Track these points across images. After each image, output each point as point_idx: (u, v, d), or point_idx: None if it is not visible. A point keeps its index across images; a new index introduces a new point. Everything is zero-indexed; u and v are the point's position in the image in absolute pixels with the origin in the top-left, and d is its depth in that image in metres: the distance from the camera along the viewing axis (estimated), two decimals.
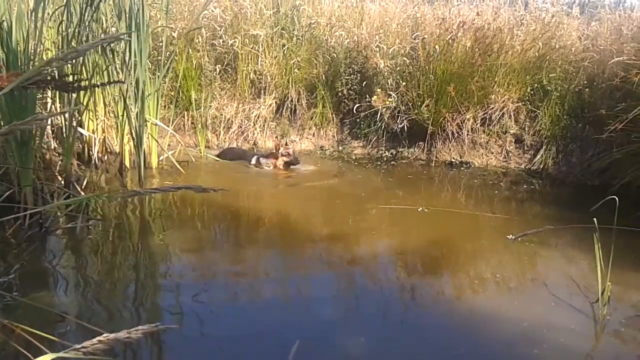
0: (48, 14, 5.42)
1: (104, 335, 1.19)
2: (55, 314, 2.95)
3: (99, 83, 2.89)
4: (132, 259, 4.08)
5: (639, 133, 5.72)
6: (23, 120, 1.39)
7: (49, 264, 3.80)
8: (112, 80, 5.43)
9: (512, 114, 7.37)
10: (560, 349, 2.96)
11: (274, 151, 6.78)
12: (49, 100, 5.54)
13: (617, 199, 3.29)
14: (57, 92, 5.44)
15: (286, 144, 6.85)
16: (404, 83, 7.40)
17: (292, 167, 6.71)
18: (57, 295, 3.35)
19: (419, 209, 5.25)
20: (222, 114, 7.89)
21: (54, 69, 2.28)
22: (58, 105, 5.71)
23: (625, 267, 3.80)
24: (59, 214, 4.70)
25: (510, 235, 4.54)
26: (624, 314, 3.38)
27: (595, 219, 3.21)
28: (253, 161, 6.85)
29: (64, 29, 5.24)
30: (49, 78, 1.66)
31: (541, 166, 7.13)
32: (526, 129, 7.37)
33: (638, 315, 3.41)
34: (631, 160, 5.77)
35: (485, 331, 3.17)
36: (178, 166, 6.30)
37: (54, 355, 1.20)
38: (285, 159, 6.66)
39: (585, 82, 7.12)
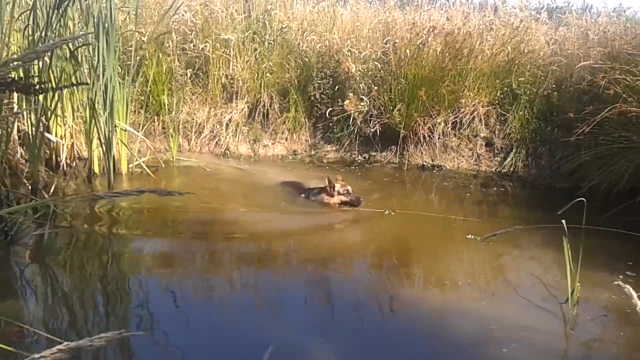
0: (14, 17, 5.32)
1: (65, 343, 1.16)
2: (15, 325, 2.86)
3: (62, 85, 2.81)
4: (99, 266, 3.99)
5: (606, 136, 5.82)
6: None
7: (13, 274, 3.71)
8: (76, 83, 5.33)
9: (482, 118, 7.44)
10: (530, 348, 3.00)
11: (327, 186, 5.54)
12: (15, 105, 5.41)
13: (585, 200, 3.34)
14: (24, 98, 5.33)
15: (342, 180, 5.63)
16: (375, 87, 7.43)
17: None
18: (20, 305, 3.27)
19: (385, 212, 5.27)
20: (193, 119, 7.82)
21: (15, 70, 2.23)
22: (25, 110, 5.59)
23: (593, 268, 3.86)
24: (24, 221, 4.59)
25: (470, 236, 4.60)
26: (593, 314, 3.43)
27: (563, 221, 3.25)
28: (302, 196, 5.79)
29: (30, 33, 5.15)
30: (9, 80, 1.61)
31: (511, 169, 7.21)
32: (496, 132, 7.45)
33: (606, 315, 3.47)
34: (599, 163, 5.87)
35: (453, 332, 3.19)
36: (149, 172, 6.22)
37: None
38: (343, 198, 5.46)
39: (554, 85, 7.23)
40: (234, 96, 7.94)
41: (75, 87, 5.94)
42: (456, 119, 7.43)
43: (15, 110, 5.38)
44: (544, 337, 3.14)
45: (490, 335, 3.13)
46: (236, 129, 7.88)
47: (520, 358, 2.92)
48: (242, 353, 2.86)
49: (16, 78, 2.08)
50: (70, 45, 5.56)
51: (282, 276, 3.97)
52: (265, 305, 3.50)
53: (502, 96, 7.49)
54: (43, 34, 5.07)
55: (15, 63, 1.47)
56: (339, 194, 5.45)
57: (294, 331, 3.12)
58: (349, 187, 5.49)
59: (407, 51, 7.27)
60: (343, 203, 5.44)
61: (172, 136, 7.31)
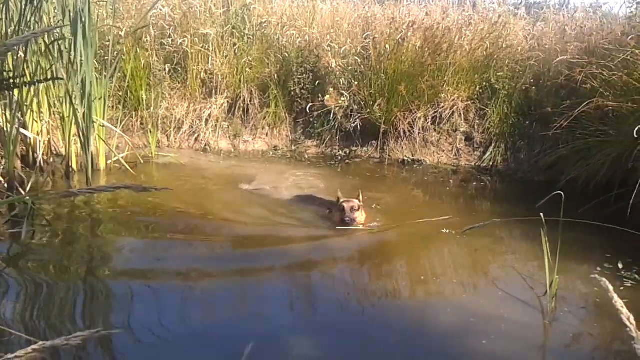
0: None
1: (40, 343, 1.14)
2: None
3: (37, 80, 2.76)
4: (77, 265, 3.93)
5: (583, 130, 5.89)
6: None
7: None
8: (51, 77, 5.25)
9: (462, 113, 7.49)
10: (509, 340, 3.01)
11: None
12: None
13: (563, 194, 3.37)
14: None
15: (358, 197, 4.75)
16: (356, 82, 7.44)
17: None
18: None
19: (373, 206, 5.28)
20: (172, 114, 7.77)
21: None
22: None
23: (571, 261, 3.89)
24: (1, 219, 4.53)
25: (445, 230, 4.63)
26: (571, 306, 3.44)
27: (542, 214, 3.28)
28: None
29: (3, 28, 5.05)
30: None
31: (491, 163, 7.27)
32: (476, 127, 7.51)
33: (585, 307, 3.50)
34: (576, 157, 5.94)
35: (432, 324, 3.20)
36: (128, 167, 6.16)
37: None
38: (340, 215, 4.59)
39: (532, 80, 7.31)
40: (214, 91, 7.90)
41: (51, 83, 5.86)
42: (436, 113, 7.47)
43: None
44: (522, 329, 3.16)
45: (469, 327, 3.14)
46: (216, 125, 7.84)
47: (499, 350, 2.92)
48: (224, 349, 2.85)
49: None
50: (45, 39, 5.47)
51: (266, 272, 3.95)
52: (248, 299, 3.49)
53: (481, 91, 7.55)
54: (16, 29, 4.99)
55: None
56: (339, 210, 4.59)
57: (274, 322, 3.13)
58: (355, 204, 4.61)
59: (387, 46, 7.28)
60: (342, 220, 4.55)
61: (150, 132, 7.24)
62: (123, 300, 3.40)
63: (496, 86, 7.40)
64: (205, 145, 7.75)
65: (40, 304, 3.28)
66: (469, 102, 7.51)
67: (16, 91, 5.16)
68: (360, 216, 4.58)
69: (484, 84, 7.54)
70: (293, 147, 7.92)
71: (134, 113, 7.62)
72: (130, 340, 2.83)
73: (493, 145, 7.32)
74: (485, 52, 7.56)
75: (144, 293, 3.48)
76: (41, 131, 5.97)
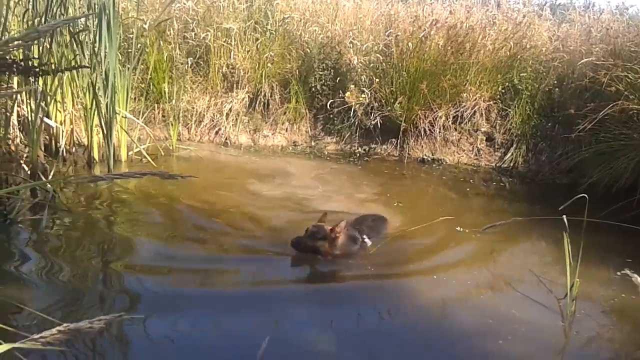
0: (13, 2, 5.29)
1: (64, 325, 1.15)
2: (14, 306, 2.87)
3: (63, 68, 2.80)
4: (97, 250, 4.00)
5: (606, 133, 5.81)
6: None
7: (11, 256, 3.70)
8: (77, 65, 5.30)
9: (483, 112, 7.44)
10: (526, 342, 2.99)
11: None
12: (14, 88, 5.37)
13: (587, 197, 3.32)
14: (24, 84, 5.30)
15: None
16: (377, 80, 7.41)
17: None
18: (19, 287, 3.27)
19: (395, 204, 5.26)
20: (193, 108, 7.81)
21: (16, 50, 2.22)
22: (24, 95, 5.57)
23: (592, 264, 3.85)
24: (23, 204, 4.59)
25: (459, 228, 4.62)
26: (591, 310, 3.41)
27: (564, 215, 3.24)
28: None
29: (29, 18, 5.11)
30: (9, 62, 1.59)
31: (511, 164, 7.20)
32: (497, 127, 7.45)
33: (605, 311, 3.46)
34: (599, 160, 5.86)
35: (449, 324, 3.19)
36: (149, 159, 6.21)
37: (9, 346, 1.15)
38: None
39: (555, 82, 7.22)
40: (235, 86, 7.93)
41: (75, 73, 5.93)
42: (457, 113, 7.42)
43: (14, 97, 5.35)
44: (540, 331, 3.13)
45: (486, 328, 3.13)
46: (236, 119, 7.87)
47: (516, 351, 2.90)
48: (242, 340, 2.86)
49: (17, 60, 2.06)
50: (70, 28, 5.53)
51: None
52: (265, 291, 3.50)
53: (503, 91, 7.48)
54: (42, 20, 5.04)
55: (16, 42, 1.45)
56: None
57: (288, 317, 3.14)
58: (339, 229, 3.86)
59: (410, 44, 7.24)
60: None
61: (172, 124, 7.29)
62: (139, 288, 3.44)
63: (519, 87, 7.33)
64: (226, 139, 7.78)
65: (60, 286, 3.34)
66: (491, 102, 7.45)
67: (41, 81, 5.22)
68: (325, 247, 3.79)
69: (507, 84, 7.47)
70: (312, 143, 7.92)
71: (155, 105, 7.67)
72: (145, 325, 2.85)
73: (514, 146, 7.25)
74: (508, 52, 7.49)
75: (159, 283, 3.51)
76: (64, 121, 6.04)
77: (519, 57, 7.49)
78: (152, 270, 3.69)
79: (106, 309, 3.08)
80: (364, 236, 4.08)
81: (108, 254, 3.96)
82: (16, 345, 1.13)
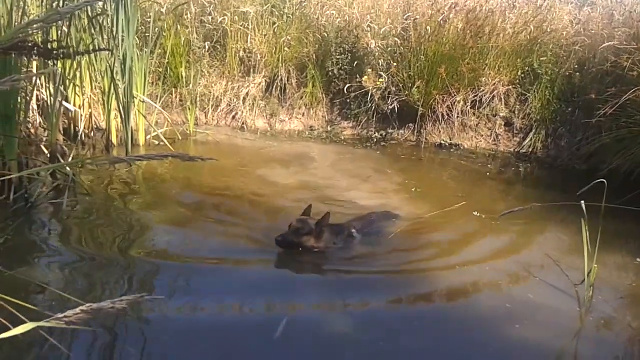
0: None
1: (87, 304, 1.17)
2: (37, 285, 2.94)
3: (82, 51, 2.81)
4: (117, 233, 4.04)
5: (627, 118, 5.72)
6: None
7: (33, 238, 3.77)
8: (97, 48, 5.33)
9: (502, 97, 7.36)
10: (542, 326, 2.99)
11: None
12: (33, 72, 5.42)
13: (605, 182, 3.29)
14: (42, 65, 5.35)
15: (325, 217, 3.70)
16: (394, 64, 7.36)
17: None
18: (42, 268, 3.33)
19: (412, 189, 5.27)
20: (210, 92, 7.82)
21: (36, 33, 2.23)
22: (43, 79, 5.62)
23: (610, 250, 3.82)
24: (44, 189, 4.65)
25: (476, 213, 4.62)
26: (608, 296, 3.39)
27: (582, 201, 3.21)
28: None
29: (48, 2, 5.14)
30: (30, 44, 1.60)
31: (530, 149, 7.13)
32: (516, 112, 7.37)
33: (623, 298, 3.44)
34: (619, 145, 5.78)
35: (466, 308, 3.21)
36: (166, 143, 6.24)
37: (34, 325, 1.17)
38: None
39: (576, 66, 7.11)
40: (252, 70, 7.92)
41: (94, 57, 5.96)
42: (475, 97, 7.36)
43: (33, 79, 5.39)
44: (557, 316, 3.12)
45: (503, 312, 3.13)
46: (253, 103, 7.87)
47: (532, 335, 2.90)
48: (264, 318, 2.91)
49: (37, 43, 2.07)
50: (88, 13, 5.55)
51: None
52: (280, 277, 3.52)
53: (523, 75, 7.39)
54: (61, 4, 5.06)
55: (38, 24, 1.46)
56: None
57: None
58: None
59: (428, 27, 7.17)
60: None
61: (189, 109, 7.31)
62: (158, 270, 3.49)
63: (539, 71, 7.23)
64: (242, 123, 7.79)
65: (80, 268, 3.40)
66: (510, 87, 7.37)
67: (59, 64, 5.26)
68: (311, 242, 3.62)
69: (526, 68, 7.37)
70: (329, 128, 7.90)
71: (173, 89, 7.69)
72: (166, 306, 2.89)
73: (533, 131, 7.18)
74: (528, 36, 7.39)
75: (177, 265, 3.55)
76: (82, 105, 6.09)
77: (539, 40, 7.39)
78: (169, 253, 3.72)
79: (126, 290, 3.13)
80: (352, 230, 3.92)
81: (127, 236, 4.00)
82: (41, 323, 1.15)
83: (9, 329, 1.20)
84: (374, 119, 7.68)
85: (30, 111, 5.55)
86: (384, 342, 2.76)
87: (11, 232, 3.75)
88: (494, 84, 7.31)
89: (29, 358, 2.38)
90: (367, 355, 2.66)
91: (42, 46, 1.88)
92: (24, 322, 1.22)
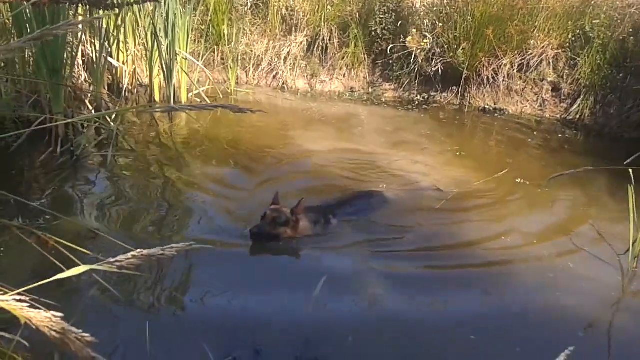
0: None
1: (138, 250, 1.19)
2: (89, 232, 3.05)
3: (132, 2, 2.82)
4: (161, 186, 4.16)
5: None
6: (54, 26, 1.34)
7: (80, 189, 3.89)
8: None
9: (550, 61, 7.11)
10: (583, 296, 2.97)
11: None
12: (79, 26, 5.46)
13: None
14: (89, 27, 5.40)
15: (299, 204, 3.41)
16: (440, 24, 7.17)
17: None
18: (90, 217, 3.45)
19: (457, 154, 5.27)
20: (252, 51, 7.78)
21: None
22: (88, 35, 5.68)
23: None
24: (89, 144, 4.76)
25: (520, 180, 4.56)
26: None
27: (630, 170, 3.12)
28: None
29: None
30: None
31: (577, 116, 6.90)
32: (564, 77, 7.12)
33: None
34: None
35: (508, 276, 3.18)
36: (208, 101, 6.27)
37: (86, 268, 1.20)
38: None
39: (631, 30, 6.79)
40: (294, 29, 7.83)
41: (138, 14, 5.99)
42: (523, 61, 7.13)
43: (79, 34, 5.44)
44: (598, 286, 3.09)
45: (544, 280, 3.11)
46: (294, 63, 7.80)
47: (572, 303, 2.88)
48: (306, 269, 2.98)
49: None
50: None
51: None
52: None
53: (573, 39, 7.11)
54: None
55: None
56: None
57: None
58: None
59: None
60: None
61: (230, 67, 7.30)
62: (203, 221, 3.59)
63: (590, 34, 6.94)
64: (283, 83, 7.75)
65: (127, 216, 3.54)
66: (560, 51, 7.11)
67: (104, 21, 5.29)
68: (288, 233, 3.32)
69: (578, 31, 7.08)
70: (370, 90, 7.80)
71: (215, 48, 7.68)
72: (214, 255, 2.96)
73: (581, 97, 6.93)
74: None
75: (221, 217, 3.62)
76: (126, 61, 6.13)
77: (592, 2, 7.08)
78: (213, 204, 3.81)
79: (172, 239, 3.21)
80: (330, 216, 3.61)
81: (170, 189, 4.10)
82: (94, 267, 1.17)
83: (64, 271, 1.23)
84: (416, 81, 7.54)
85: (76, 67, 5.63)
86: (429, 309, 2.79)
87: (58, 184, 3.87)
88: (543, 47, 7.06)
89: (82, 299, 2.50)
90: (415, 321, 2.67)
91: None
92: (76, 265, 1.24)
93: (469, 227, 3.79)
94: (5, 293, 1.10)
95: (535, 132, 6.45)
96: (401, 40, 7.41)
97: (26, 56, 4.89)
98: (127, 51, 6.14)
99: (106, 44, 5.41)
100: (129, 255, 1.17)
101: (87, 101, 5.27)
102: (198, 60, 6.60)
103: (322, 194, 4.09)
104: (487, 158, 5.53)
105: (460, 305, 2.85)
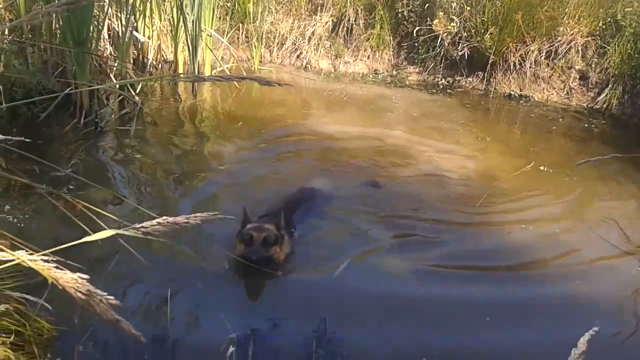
0: None
1: (163, 218, 1.20)
2: (114, 197, 3.11)
3: None
4: (184, 158, 4.22)
5: None
6: None
7: (104, 159, 3.97)
8: None
9: (579, 49, 6.98)
10: (600, 284, 2.97)
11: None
12: (105, 2, 5.48)
13: None
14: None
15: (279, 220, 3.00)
16: (468, 7, 7.06)
17: None
18: (114, 186, 3.52)
19: (487, 138, 5.29)
20: (276, 30, 7.75)
21: None
22: (114, 9, 5.69)
23: None
24: (113, 116, 4.81)
25: (543, 168, 4.55)
26: None
27: None
28: None
29: None
30: None
31: (604, 105, 6.78)
32: (593, 65, 6.98)
33: None
34: None
35: (529, 263, 3.16)
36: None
37: (113, 232, 1.21)
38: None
39: None
40: (319, 8, 7.78)
41: None
42: (551, 48, 7.00)
43: (106, 7, 5.45)
44: (616, 275, 3.09)
45: (564, 268, 3.12)
46: (318, 43, 7.76)
47: (589, 291, 2.88)
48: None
49: None
50: None
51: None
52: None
53: (604, 27, 6.95)
54: None
55: None
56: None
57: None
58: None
59: None
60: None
61: (254, 46, 7.28)
62: (227, 193, 3.66)
63: (622, 22, 6.78)
64: (306, 63, 7.72)
65: (153, 188, 3.61)
66: (589, 38, 6.96)
67: None
68: (279, 252, 2.86)
69: (609, 19, 6.93)
70: (394, 72, 7.73)
71: (239, 25, 7.66)
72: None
73: (610, 86, 6.80)
74: None
75: (247, 183, 3.75)
76: (152, 36, 6.14)
77: None
78: (234, 174, 3.92)
79: (195, 208, 3.23)
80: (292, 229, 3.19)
81: (192, 162, 4.19)
82: (120, 231, 1.19)
83: (90, 234, 1.24)
84: (441, 65, 7.46)
85: (102, 40, 5.66)
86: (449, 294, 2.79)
87: (82, 154, 3.93)
88: (572, 34, 6.93)
89: (107, 263, 2.57)
90: (441, 305, 2.70)
91: None
92: (103, 229, 1.26)
93: (486, 214, 3.76)
94: (33, 254, 1.12)
95: (561, 120, 6.35)
96: (427, 23, 7.32)
97: (53, 28, 4.93)
98: (152, 26, 6.14)
99: (132, 18, 5.43)
100: (154, 222, 1.18)
101: (111, 75, 5.32)
102: (223, 37, 6.59)
103: (345, 175, 4.13)
104: (512, 144, 5.45)
105: (478, 292, 2.84)
